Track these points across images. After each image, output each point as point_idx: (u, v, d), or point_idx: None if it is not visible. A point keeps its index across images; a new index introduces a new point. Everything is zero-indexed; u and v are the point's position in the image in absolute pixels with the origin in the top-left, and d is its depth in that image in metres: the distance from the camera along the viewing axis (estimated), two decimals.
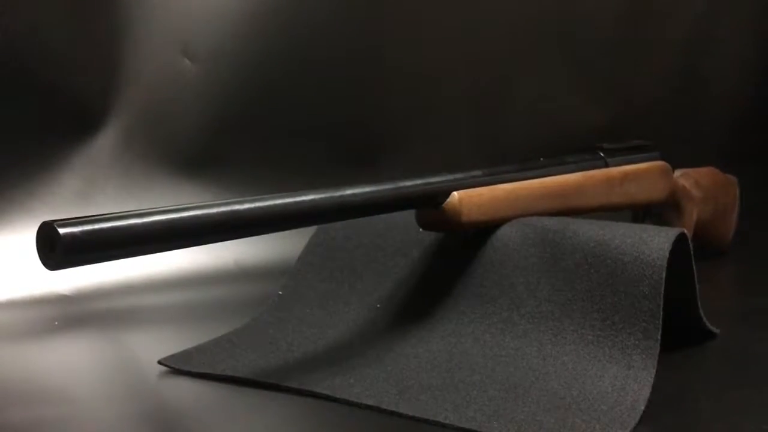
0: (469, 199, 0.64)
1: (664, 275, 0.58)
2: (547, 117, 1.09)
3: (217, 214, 0.50)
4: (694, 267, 0.64)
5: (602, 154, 0.84)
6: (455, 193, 0.63)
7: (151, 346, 0.69)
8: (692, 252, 0.64)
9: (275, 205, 0.53)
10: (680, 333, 0.66)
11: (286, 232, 0.92)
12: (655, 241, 0.60)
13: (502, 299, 0.64)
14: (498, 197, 0.67)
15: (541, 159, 0.76)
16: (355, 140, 0.99)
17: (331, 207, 0.56)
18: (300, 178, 0.95)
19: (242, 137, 0.93)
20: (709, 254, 1.06)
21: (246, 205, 0.52)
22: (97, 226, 0.45)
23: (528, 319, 0.62)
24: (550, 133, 1.10)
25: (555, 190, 0.73)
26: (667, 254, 0.59)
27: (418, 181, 0.62)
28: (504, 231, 0.67)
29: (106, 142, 0.87)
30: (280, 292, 0.73)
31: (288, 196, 0.54)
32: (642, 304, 0.58)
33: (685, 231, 0.62)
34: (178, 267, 0.85)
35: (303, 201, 0.54)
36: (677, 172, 1.02)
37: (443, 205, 0.63)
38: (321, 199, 0.55)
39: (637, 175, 0.87)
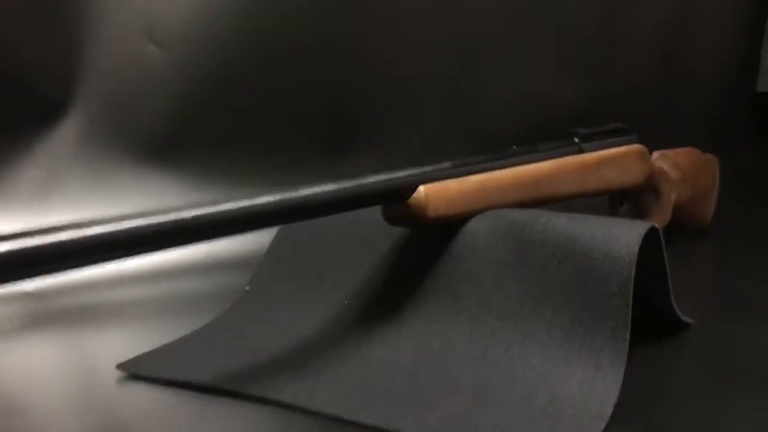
0: (435, 193, 0.62)
1: (633, 272, 0.56)
2: (525, 99, 1.07)
3: (161, 223, 0.47)
4: (666, 260, 0.62)
5: (576, 140, 0.81)
6: (421, 188, 0.61)
7: (115, 347, 0.67)
8: (664, 245, 0.62)
9: (226, 211, 0.50)
10: (653, 325, 0.64)
11: None
12: (625, 237, 0.58)
13: (470, 296, 0.62)
14: (467, 190, 0.64)
15: (514, 147, 0.74)
16: (328, 126, 0.96)
17: (289, 209, 0.53)
18: (271, 166, 0.93)
19: (210, 124, 0.89)
20: (688, 234, 1.04)
21: (194, 212, 0.49)
22: (22, 245, 0.43)
23: (496, 317, 0.60)
24: (528, 115, 1.07)
25: (527, 179, 0.71)
26: (636, 250, 0.57)
27: (382, 177, 0.59)
28: (473, 224, 0.64)
29: (68, 131, 0.84)
30: (247, 288, 0.70)
31: (242, 200, 0.51)
32: (611, 303, 0.56)
33: (656, 224, 0.60)
34: (146, 259, 0.82)
35: (257, 205, 0.52)
36: (655, 154, 1.00)
37: (408, 200, 0.61)
38: (277, 201, 0.53)
39: (612, 160, 0.85)
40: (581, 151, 0.81)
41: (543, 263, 0.60)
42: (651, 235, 0.59)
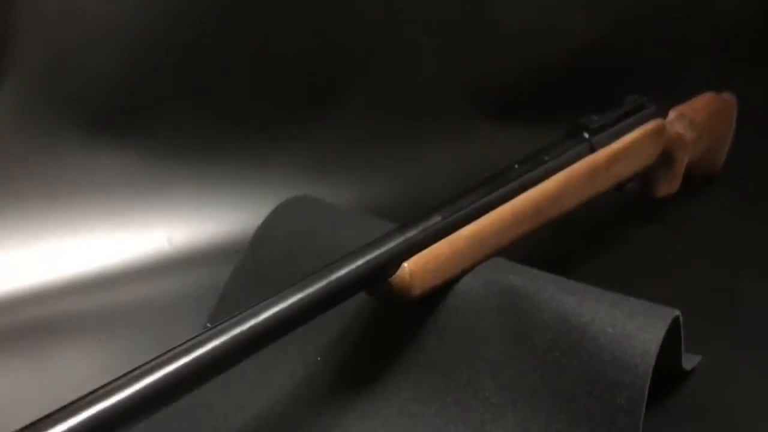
0: (422, 267, 0.52)
1: (647, 386, 0.48)
2: (528, 38, 0.93)
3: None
4: (683, 347, 0.55)
5: (587, 136, 0.71)
6: (405, 266, 0.51)
7: (69, 377, 0.60)
8: (682, 336, 0.53)
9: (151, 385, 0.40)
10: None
11: (225, 202, 0.82)
12: (641, 338, 0.49)
13: (458, 376, 0.54)
14: (459, 250, 0.55)
15: (516, 166, 0.63)
16: (302, 89, 0.83)
17: (251, 341, 0.44)
18: (239, 137, 0.81)
19: (168, 93, 0.77)
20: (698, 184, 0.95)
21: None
22: None
23: (487, 408, 0.53)
24: (531, 58, 0.94)
25: (528, 209, 0.61)
26: (653, 360, 0.49)
27: (360, 261, 0.49)
28: (464, 287, 0.55)
29: (2, 105, 0.72)
30: (208, 325, 0.62)
31: (183, 352, 0.42)
32: (618, 419, 0.49)
33: (678, 314, 0.52)
34: (103, 262, 0.73)
35: (202, 354, 0.42)
36: (671, 114, 0.89)
37: (390, 280, 0.51)
38: (231, 338, 0.43)
39: (626, 151, 0.74)
40: (592, 149, 0.70)
41: (543, 353, 0.52)
42: (672, 326, 0.51)
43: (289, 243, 0.63)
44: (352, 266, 0.49)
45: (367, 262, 0.49)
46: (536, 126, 0.86)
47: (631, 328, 0.50)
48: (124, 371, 0.39)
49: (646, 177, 0.86)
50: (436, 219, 0.54)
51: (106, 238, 0.73)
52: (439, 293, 0.55)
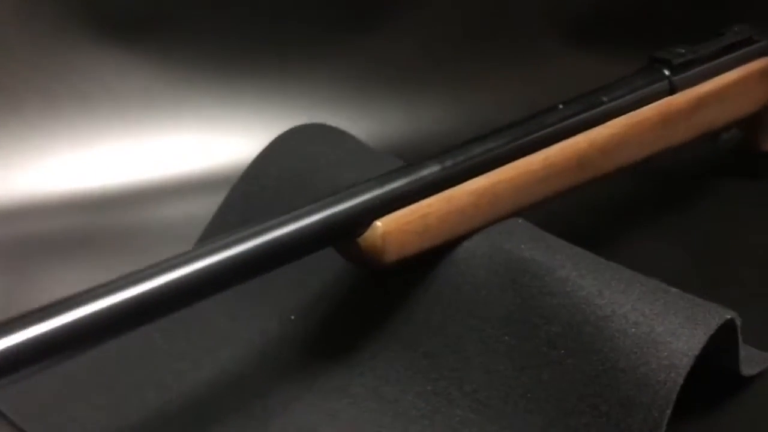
0: (402, 228, 0.41)
1: (669, 410, 0.37)
2: None
3: None
4: (741, 352, 0.42)
5: (667, 73, 0.56)
6: (378, 225, 0.41)
7: (54, 294, 0.53)
8: (740, 341, 0.41)
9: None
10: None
11: (246, 124, 0.73)
12: (671, 347, 0.37)
13: (443, 360, 0.43)
14: (460, 208, 0.43)
15: (560, 106, 0.50)
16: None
17: (189, 287, 0.36)
18: (267, 51, 0.71)
19: None
20: None
21: None
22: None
23: (471, 404, 0.42)
24: None
25: (569, 161, 0.49)
26: (681, 378, 0.36)
27: (322, 213, 0.39)
28: (464, 254, 0.44)
29: (4, 7, 0.64)
30: None
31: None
32: None
33: (732, 317, 0.39)
34: (103, 180, 0.65)
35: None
36: None
37: (358, 239, 0.41)
38: (182, 277, 0.36)
39: (720, 94, 0.59)
40: (672, 89, 0.56)
41: (546, 347, 0.40)
42: (721, 330, 0.39)
43: (284, 178, 0.53)
44: (313, 218, 0.39)
45: (328, 216, 0.39)
46: (624, 54, 0.71)
47: (662, 331, 0.38)
48: None
49: (749, 127, 0.71)
50: (432, 169, 0.43)
51: (108, 154, 0.66)
52: (434, 259, 0.45)
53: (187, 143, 0.68)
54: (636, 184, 0.73)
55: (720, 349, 0.42)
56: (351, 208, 0.40)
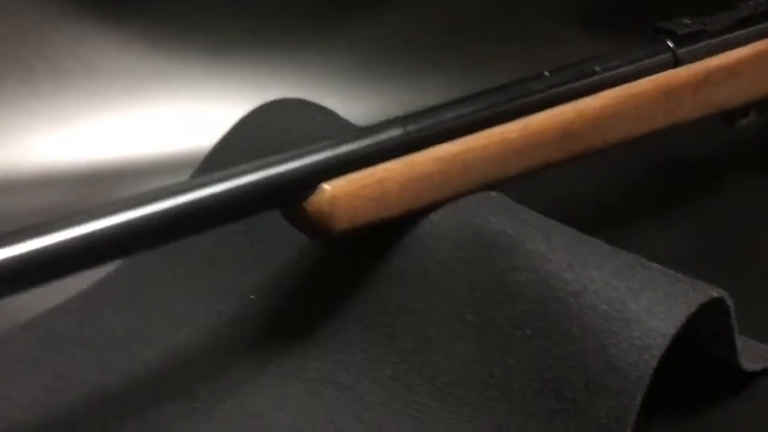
0: (354, 193, 0.37)
1: (640, 397, 0.32)
2: None
3: None
4: (738, 341, 0.37)
5: (671, 44, 0.52)
6: (326, 188, 0.37)
7: None
8: (734, 326, 0.36)
9: None
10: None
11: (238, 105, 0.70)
12: (646, 326, 0.33)
13: (403, 342, 0.39)
14: (424, 175, 0.39)
15: (546, 74, 0.46)
16: None
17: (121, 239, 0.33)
18: (265, 22, 0.68)
19: None
20: None
21: None
22: None
23: (430, 388, 0.38)
24: None
25: (552, 131, 0.44)
26: (655, 360, 0.32)
27: (263, 173, 0.36)
28: (429, 226, 0.40)
29: None
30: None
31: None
32: None
33: (719, 296, 0.34)
34: (77, 157, 0.62)
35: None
36: None
37: (304, 204, 0.37)
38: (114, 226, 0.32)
39: (730, 71, 0.55)
40: (676, 62, 0.52)
41: (511, 328, 0.36)
42: (707, 307, 0.34)
43: (254, 152, 0.49)
44: (252, 176, 0.36)
45: (268, 176, 0.36)
46: (635, 37, 0.67)
47: (636, 308, 0.33)
48: None
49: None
50: (393, 132, 0.39)
51: (89, 131, 0.63)
52: (398, 231, 0.41)
53: (171, 121, 0.65)
54: (646, 173, 0.69)
55: (713, 336, 0.38)
56: (294, 168, 0.36)
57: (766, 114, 0.64)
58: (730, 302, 0.35)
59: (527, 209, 0.41)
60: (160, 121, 0.65)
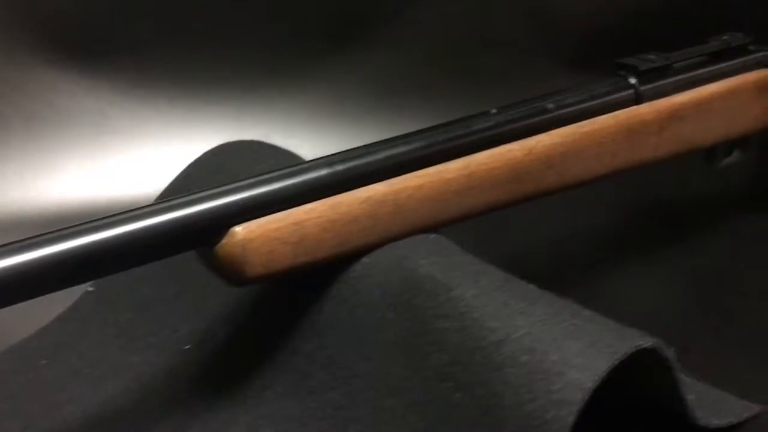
0: (266, 237, 0.35)
1: None
2: None
3: None
4: (686, 395, 0.33)
5: (633, 81, 0.49)
6: (237, 231, 0.35)
7: None
8: (677, 376, 0.32)
9: None
10: None
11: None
12: (565, 378, 0.29)
13: (330, 394, 0.36)
14: (348, 218, 0.37)
15: (493, 111, 0.44)
16: (337, 7, 0.67)
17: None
18: (242, 66, 0.66)
19: (153, 11, 0.63)
20: None
21: None
22: None
23: None
24: None
25: (500, 171, 0.42)
26: (571, 416, 0.29)
27: (173, 214, 0.33)
28: (361, 270, 0.37)
29: None
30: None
31: None
32: None
33: (648, 344, 0.31)
34: (47, 203, 0.60)
35: None
36: None
37: (215, 247, 0.35)
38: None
39: (699, 108, 0.52)
40: (638, 99, 0.49)
41: (435, 380, 0.33)
42: (639, 358, 0.31)
43: None
44: (161, 218, 0.33)
45: (176, 218, 0.33)
46: None
47: (557, 359, 0.30)
48: None
49: (763, 150, 0.63)
50: (318, 172, 0.37)
51: (61, 176, 0.62)
52: (330, 274, 0.38)
53: (143, 164, 0.63)
54: (631, 213, 0.66)
55: (656, 387, 0.34)
56: (202, 210, 0.34)
57: (750, 152, 0.61)
58: (668, 353, 0.32)
59: (462, 251, 0.38)
60: (131, 164, 0.64)
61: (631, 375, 0.31)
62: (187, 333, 0.43)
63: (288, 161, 0.50)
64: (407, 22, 0.70)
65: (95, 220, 0.33)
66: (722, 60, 0.54)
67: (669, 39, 0.72)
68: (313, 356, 0.38)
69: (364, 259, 0.38)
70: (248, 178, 0.36)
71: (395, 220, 0.38)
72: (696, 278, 0.59)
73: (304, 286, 0.39)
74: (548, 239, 0.62)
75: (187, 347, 0.43)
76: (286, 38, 0.67)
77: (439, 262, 0.36)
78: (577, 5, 0.72)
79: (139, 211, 0.34)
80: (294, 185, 0.36)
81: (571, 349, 0.30)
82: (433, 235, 0.39)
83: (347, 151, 0.39)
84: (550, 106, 0.45)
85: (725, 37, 0.55)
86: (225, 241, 0.34)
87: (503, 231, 0.61)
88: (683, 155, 0.53)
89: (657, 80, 0.49)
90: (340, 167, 0.37)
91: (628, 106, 0.48)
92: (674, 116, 0.50)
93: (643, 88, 0.49)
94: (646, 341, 0.30)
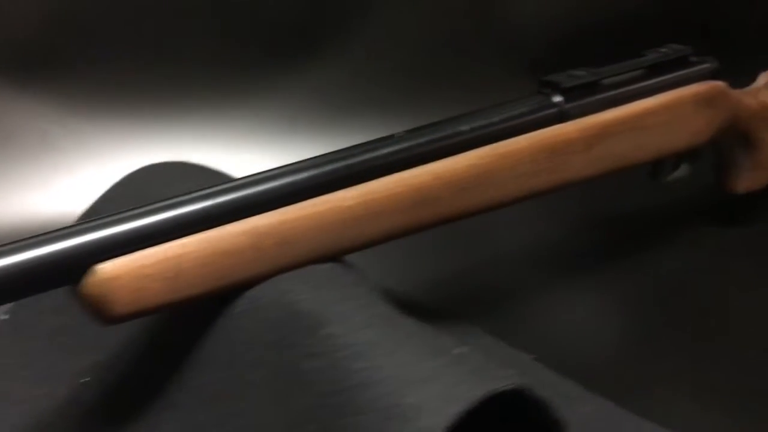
0: (135, 274, 0.34)
1: None
2: None
3: None
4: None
5: (557, 99, 0.47)
6: (98, 268, 0.33)
7: None
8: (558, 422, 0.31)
9: None
10: None
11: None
12: (415, 424, 0.28)
13: (213, 431, 0.36)
14: (229, 252, 0.35)
15: (397, 134, 0.42)
16: (283, 21, 0.66)
17: None
18: (193, 82, 0.65)
19: (98, 27, 0.62)
20: None
21: None
22: None
23: None
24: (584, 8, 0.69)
25: (402, 197, 0.40)
26: None
27: (37, 251, 0.32)
28: (243, 305, 0.36)
29: None
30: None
31: None
32: None
33: (527, 388, 0.29)
34: None
35: None
36: (762, 78, 0.62)
37: (78, 287, 0.34)
38: None
39: (632, 124, 0.49)
40: (562, 117, 0.47)
41: (304, 421, 0.31)
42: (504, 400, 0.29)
43: None
44: (27, 255, 0.33)
45: (38, 257, 0.32)
46: None
47: (411, 403, 0.28)
48: None
49: (717, 164, 0.61)
50: (200, 204, 0.36)
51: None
52: (216, 308, 0.37)
53: (86, 184, 0.62)
54: (577, 227, 0.64)
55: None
56: (63, 248, 0.33)
57: (715, 167, 0.59)
58: (537, 395, 0.30)
59: (354, 284, 0.37)
60: (74, 184, 0.63)
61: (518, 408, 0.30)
62: (89, 365, 0.42)
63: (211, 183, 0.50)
64: (357, 34, 0.68)
65: None
66: (659, 73, 0.52)
67: (628, 45, 0.71)
68: (199, 392, 0.36)
69: (249, 292, 0.36)
70: (117, 213, 0.35)
71: (283, 252, 0.37)
72: (639, 295, 0.57)
73: (192, 319, 0.38)
74: (491, 254, 0.60)
75: (86, 379, 0.42)
76: (232, 54, 0.65)
77: (320, 297, 0.35)
78: (529, 12, 0.70)
79: (4, 248, 0.33)
80: (167, 219, 0.35)
81: (430, 392, 0.29)
82: (326, 266, 0.38)
83: (230, 181, 0.37)
84: (465, 128, 0.43)
85: (664, 50, 0.53)
86: (87, 279, 0.33)
87: (443, 247, 0.59)
88: (621, 172, 0.51)
89: (584, 97, 0.48)
90: (220, 199, 0.36)
91: (552, 125, 0.46)
92: (603, 134, 0.48)
93: (568, 105, 0.47)
94: (507, 384, 0.29)
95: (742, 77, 0.60)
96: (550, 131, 0.46)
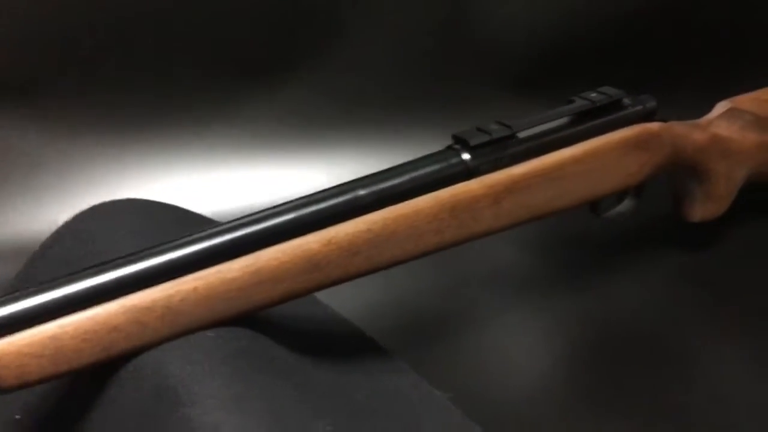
0: (15, 353, 0.36)
1: None
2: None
3: None
4: None
5: (466, 157, 0.48)
6: None
7: None
8: None
9: None
10: None
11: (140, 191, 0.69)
12: None
13: None
14: (110, 327, 0.38)
15: (290, 202, 0.44)
16: (256, 40, 0.67)
17: None
18: (170, 105, 0.67)
19: (80, 53, 0.64)
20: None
21: None
22: None
23: None
24: (565, 24, 0.68)
25: (291, 264, 0.42)
26: None
27: None
28: (130, 373, 0.39)
29: None
30: None
31: None
32: None
33: None
34: None
35: None
36: (718, 109, 0.61)
37: None
38: None
39: (548, 175, 0.49)
40: (470, 173, 0.48)
41: None
42: None
43: (58, 263, 0.50)
44: None
45: None
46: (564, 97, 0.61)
47: None
48: None
49: (674, 193, 0.60)
50: (77, 286, 0.38)
51: None
52: (106, 373, 0.40)
53: (70, 205, 0.66)
54: (531, 253, 0.64)
55: None
56: None
57: (673, 197, 0.59)
58: None
59: (236, 354, 0.39)
60: (59, 205, 0.66)
61: None
62: (19, 404, 0.46)
63: (159, 223, 0.52)
64: (331, 53, 0.69)
65: None
66: (586, 120, 0.52)
67: (611, 58, 0.70)
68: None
69: (133, 361, 0.39)
70: (4, 295, 0.38)
71: (167, 324, 0.39)
72: (585, 324, 0.57)
73: (87, 384, 0.41)
74: (444, 280, 0.61)
75: (17, 416, 0.46)
76: (204, 76, 0.67)
77: (192, 372, 0.37)
78: (510, 29, 0.70)
79: None
80: (48, 301, 0.38)
81: None
82: (210, 333, 0.40)
83: (114, 260, 0.40)
84: (362, 192, 0.45)
85: (593, 95, 0.53)
86: None
87: (392, 275, 0.61)
88: (543, 219, 0.51)
89: (493, 153, 0.48)
90: (100, 279, 0.39)
91: (459, 181, 0.47)
92: (513, 188, 0.48)
93: (474, 162, 0.48)
94: None
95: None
96: (453, 189, 0.46)
